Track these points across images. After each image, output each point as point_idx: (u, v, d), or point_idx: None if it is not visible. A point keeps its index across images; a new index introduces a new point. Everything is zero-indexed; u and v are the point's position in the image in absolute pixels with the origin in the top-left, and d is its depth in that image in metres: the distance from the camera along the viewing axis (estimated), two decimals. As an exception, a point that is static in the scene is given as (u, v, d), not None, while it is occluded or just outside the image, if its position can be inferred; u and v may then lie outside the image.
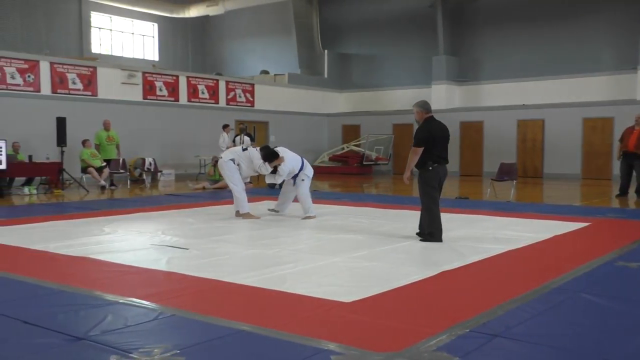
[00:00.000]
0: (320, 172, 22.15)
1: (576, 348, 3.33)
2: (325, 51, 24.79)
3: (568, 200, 12.17)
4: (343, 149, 22.76)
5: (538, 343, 3.37)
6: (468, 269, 5.44)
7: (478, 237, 7.17)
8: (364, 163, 21.53)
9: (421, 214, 6.96)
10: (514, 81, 20.55)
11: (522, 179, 17.36)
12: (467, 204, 10.97)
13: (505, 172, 12.79)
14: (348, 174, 21.24)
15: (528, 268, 5.52)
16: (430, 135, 6.71)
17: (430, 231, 6.81)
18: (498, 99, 20.75)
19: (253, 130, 20.14)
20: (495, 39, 21.01)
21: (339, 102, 24.78)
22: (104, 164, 14.81)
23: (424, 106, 6.91)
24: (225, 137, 16.22)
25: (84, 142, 14.67)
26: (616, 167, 14.36)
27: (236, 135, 16.34)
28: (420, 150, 6.68)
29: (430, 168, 6.74)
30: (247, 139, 15.98)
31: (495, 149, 19.79)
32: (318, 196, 12.59)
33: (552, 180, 17.94)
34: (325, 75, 24.62)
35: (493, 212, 9.54)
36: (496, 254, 6.09)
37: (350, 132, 23.54)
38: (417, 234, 7.00)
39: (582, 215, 9.20)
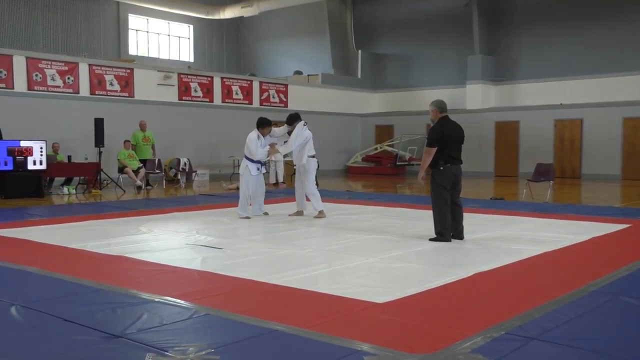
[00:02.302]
0: (353, 173, 22.19)
1: (616, 352, 3.24)
2: (359, 51, 24.72)
3: (607, 201, 11.89)
4: (376, 149, 22.68)
5: (576, 347, 3.30)
6: (503, 271, 5.37)
7: (514, 238, 7.07)
8: (397, 163, 21.43)
9: (433, 213, 6.93)
10: (551, 80, 20.17)
11: (559, 179, 17.03)
12: (503, 204, 10.82)
13: (542, 173, 12.56)
14: (381, 174, 21.16)
15: (565, 270, 5.42)
16: (442, 135, 6.72)
17: (439, 231, 6.80)
18: (534, 98, 20.39)
19: (287, 131, 20.18)
20: (532, 38, 20.65)
21: (373, 102, 24.69)
22: (141, 165, 15.06)
23: (440, 105, 6.91)
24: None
25: (125, 143, 14.99)
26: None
27: (270, 136, 16.36)
28: (434, 150, 6.69)
29: (442, 168, 6.73)
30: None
31: (531, 149, 19.46)
32: (352, 197, 12.59)
33: (590, 181, 17.56)
34: (359, 76, 24.55)
35: (529, 213, 9.41)
36: (532, 255, 5.99)
37: (384, 133, 23.44)
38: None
39: (622, 216, 8.98)
